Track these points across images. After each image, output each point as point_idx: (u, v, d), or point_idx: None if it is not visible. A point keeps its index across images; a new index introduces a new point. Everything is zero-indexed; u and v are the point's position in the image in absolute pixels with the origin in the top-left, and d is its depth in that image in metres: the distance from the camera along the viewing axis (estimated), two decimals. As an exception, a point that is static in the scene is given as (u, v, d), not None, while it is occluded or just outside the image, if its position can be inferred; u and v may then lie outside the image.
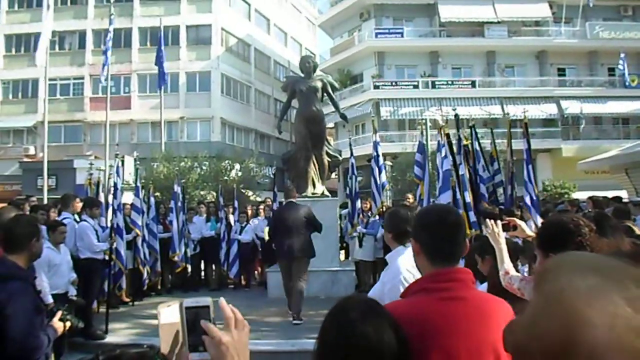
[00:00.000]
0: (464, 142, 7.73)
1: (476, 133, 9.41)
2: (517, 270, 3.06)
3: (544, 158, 30.49)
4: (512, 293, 2.76)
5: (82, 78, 33.04)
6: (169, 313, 1.25)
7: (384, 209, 10.67)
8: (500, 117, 28.34)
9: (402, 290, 2.61)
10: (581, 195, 19.54)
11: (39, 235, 3.24)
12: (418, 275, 2.68)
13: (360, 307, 1.53)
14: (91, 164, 11.30)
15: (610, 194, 14.47)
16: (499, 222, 3.12)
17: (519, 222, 3.44)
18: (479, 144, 9.40)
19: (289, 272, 8.45)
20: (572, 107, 30.90)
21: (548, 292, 0.70)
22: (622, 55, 30.98)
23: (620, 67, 31.37)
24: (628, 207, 7.93)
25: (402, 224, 3.11)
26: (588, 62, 33.26)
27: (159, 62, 23.47)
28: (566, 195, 23.12)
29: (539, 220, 7.39)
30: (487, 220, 3.14)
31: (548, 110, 30.84)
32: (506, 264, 2.93)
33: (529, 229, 3.45)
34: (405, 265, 2.85)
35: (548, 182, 26.64)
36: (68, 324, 3.21)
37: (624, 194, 14.16)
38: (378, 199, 10.42)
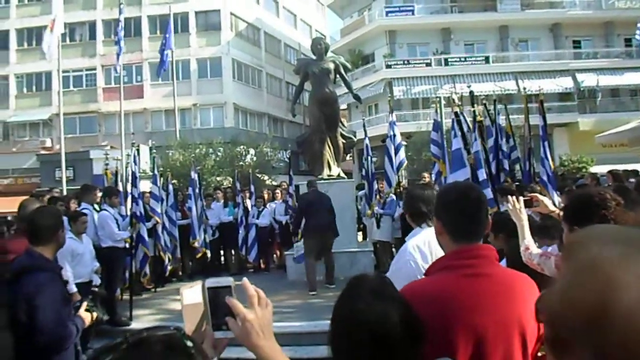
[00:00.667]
0: (478, 118, 7.65)
1: (495, 108, 9.31)
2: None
3: (560, 133, 30.09)
4: (531, 269, 2.76)
5: (95, 69, 33.19)
6: (192, 294, 1.27)
7: (401, 188, 10.65)
8: (515, 93, 27.94)
9: (407, 270, 2.65)
10: (599, 169, 19.25)
11: (62, 226, 3.29)
12: (425, 253, 2.71)
13: (369, 287, 1.55)
14: (107, 154, 11.40)
15: (629, 167, 14.27)
16: (520, 198, 3.10)
17: (541, 197, 3.42)
18: (496, 120, 9.26)
19: (317, 248, 9.13)
20: (588, 80, 30.36)
21: (580, 262, 0.72)
22: (639, 24, 30.25)
23: (637, 37, 30.56)
24: (649, 179, 7.80)
25: (416, 203, 2.96)
26: (604, 33, 32.60)
27: (161, 49, 23.53)
28: (584, 169, 22.87)
29: (556, 197, 7.33)
30: (509, 196, 3.12)
31: (564, 83, 30.38)
32: (527, 240, 2.92)
33: (551, 204, 3.43)
34: (411, 246, 2.81)
35: (565, 156, 26.34)
36: (95, 314, 3.27)
37: (642, 167, 13.96)
38: (392, 178, 10.38)
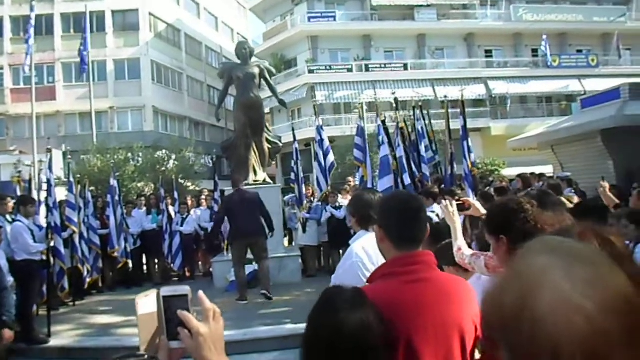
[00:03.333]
0: (401, 125, 7.87)
1: (422, 113, 9.59)
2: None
3: (474, 137, 31.08)
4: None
5: (2, 68, 31.10)
6: (147, 303, 1.24)
7: (328, 193, 10.79)
8: (432, 99, 28.99)
9: (354, 272, 2.71)
10: (510, 172, 20.47)
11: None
12: (371, 255, 2.77)
13: (346, 297, 1.57)
14: (19, 160, 10.75)
15: (537, 169, 15.29)
16: (454, 202, 3.24)
17: (472, 201, 3.59)
18: (424, 124, 9.53)
19: (244, 255, 8.70)
20: (499, 88, 32.13)
21: (509, 269, 0.82)
22: (544, 36, 32.42)
23: (543, 48, 32.84)
24: (557, 182, 8.35)
25: (365, 208, 3.04)
26: (513, 43, 34.58)
27: (80, 50, 22.52)
28: (496, 172, 24.17)
29: (471, 195, 7.64)
30: (443, 200, 3.25)
31: (477, 91, 31.92)
32: (459, 241, 3.05)
33: (482, 208, 3.59)
34: (358, 248, 2.89)
35: (479, 160, 27.64)
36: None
37: (549, 169, 15.04)
38: (323, 183, 10.47)
